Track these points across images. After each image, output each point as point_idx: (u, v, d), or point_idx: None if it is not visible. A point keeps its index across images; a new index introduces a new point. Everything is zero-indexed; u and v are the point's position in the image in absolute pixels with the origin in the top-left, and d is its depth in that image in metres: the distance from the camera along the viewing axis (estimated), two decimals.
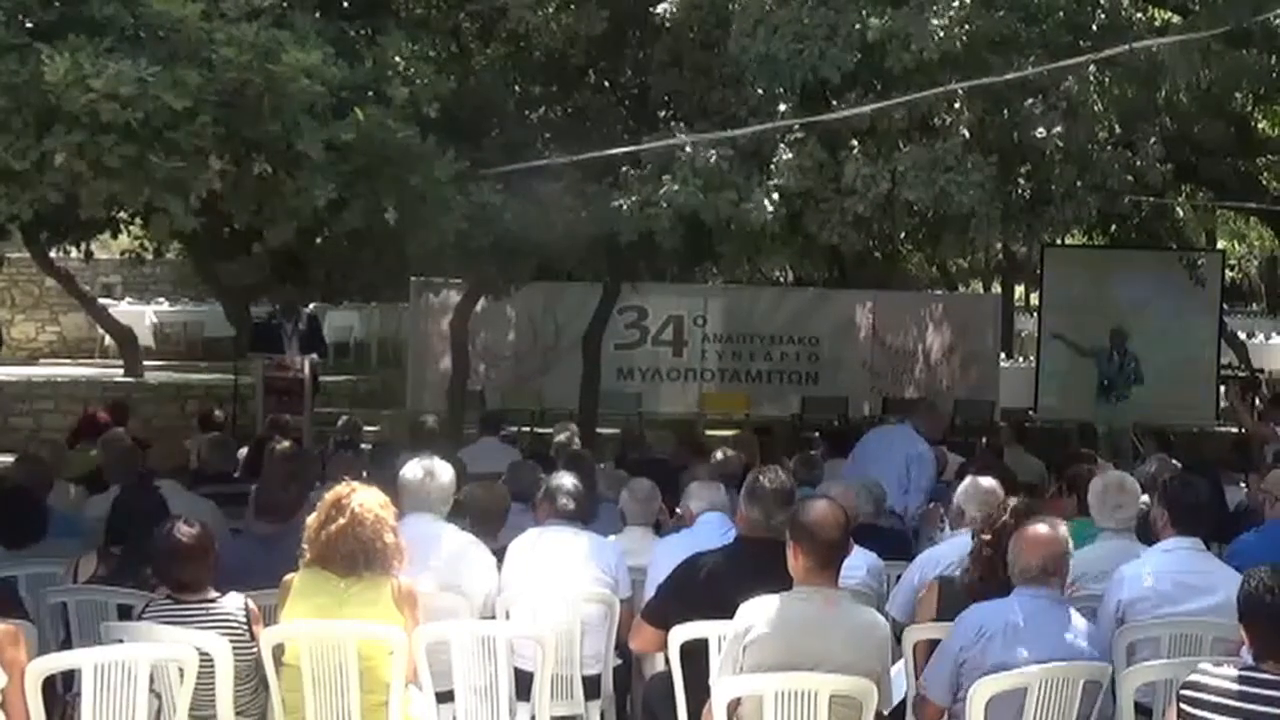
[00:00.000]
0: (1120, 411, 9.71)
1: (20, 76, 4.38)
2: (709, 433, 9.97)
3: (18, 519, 4.42)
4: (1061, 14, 7.39)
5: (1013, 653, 3.23)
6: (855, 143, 6.65)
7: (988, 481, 4.40)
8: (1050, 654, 3.24)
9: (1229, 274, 17.25)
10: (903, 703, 3.69)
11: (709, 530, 4.25)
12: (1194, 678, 2.82)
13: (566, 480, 4.38)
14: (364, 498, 3.51)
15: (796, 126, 6.57)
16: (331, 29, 5.36)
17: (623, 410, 10.92)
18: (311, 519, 3.54)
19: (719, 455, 5.95)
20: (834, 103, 6.66)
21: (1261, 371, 10.23)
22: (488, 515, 4.57)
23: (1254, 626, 2.78)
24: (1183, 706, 2.79)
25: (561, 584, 4.02)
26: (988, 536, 3.63)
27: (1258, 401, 8.33)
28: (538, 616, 3.91)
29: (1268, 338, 15.59)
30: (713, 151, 6.53)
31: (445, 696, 3.65)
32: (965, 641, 3.29)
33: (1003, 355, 13.40)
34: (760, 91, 6.69)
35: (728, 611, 3.27)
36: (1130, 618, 3.68)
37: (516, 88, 7.86)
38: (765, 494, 3.71)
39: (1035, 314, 13.56)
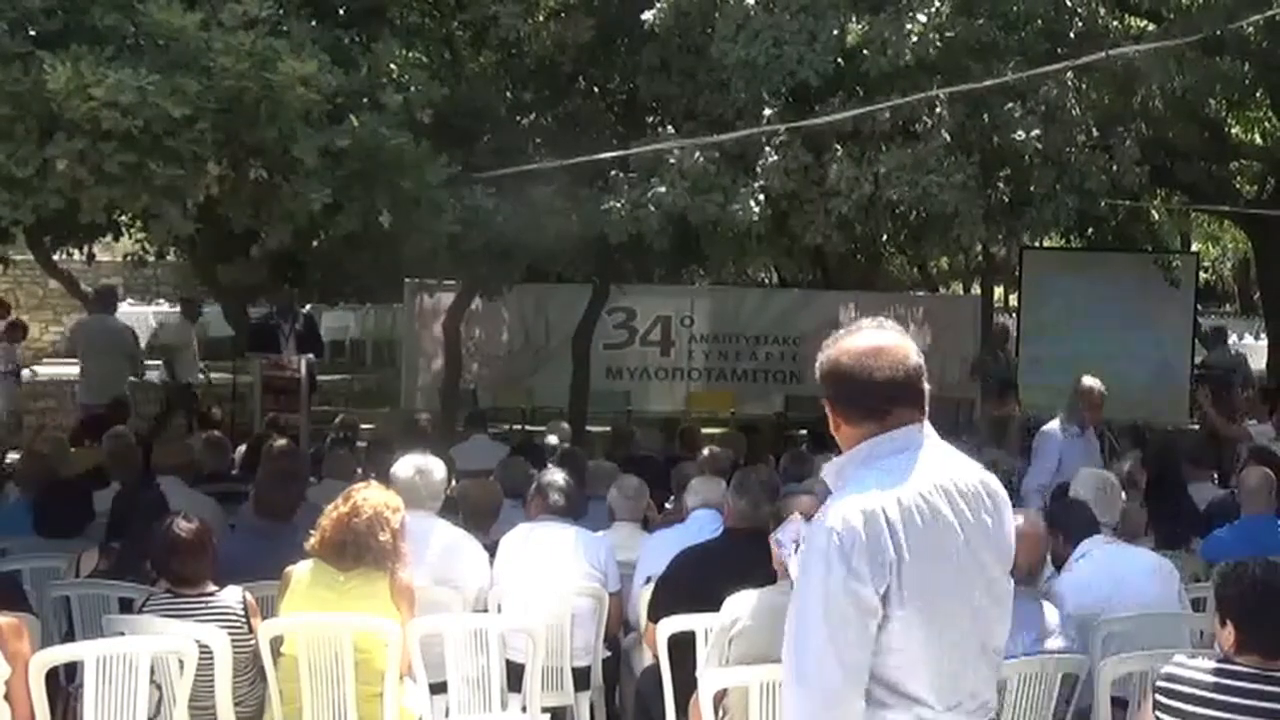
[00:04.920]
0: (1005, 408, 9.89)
1: (23, 85, 4.45)
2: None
3: (67, 511, 4.51)
4: (1040, 21, 7.55)
5: None
6: (839, 146, 6.77)
7: None
8: (1033, 651, 3.28)
9: (1203, 276, 17.50)
10: None
11: (699, 526, 4.34)
12: (1170, 670, 2.81)
13: (558, 476, 4.47)
14: (371, 494, 3.59)
15: (782, 130, 6.69)
16: (327, 37, 5.45)
17: (612, 409, 11.04)
18: (328, 507, 3.63)
19: (707, 452, 6.07)
20: (817, 107, 6.80)
21: (1234, 371, 10.40)
22: (480, 511, 4.67)
23: (1234, 620, 2.79)
24: (1158, 698, 2.79)
25: (552, 578, 4.10)
26: None
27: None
28: (529, 610, 3.99)
29: (1240, 338, 15.86)
30: (700, 155, 6.64)
31: (439, 687, 3.72)
32: None
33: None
34: (743, 95, 6.82)
35: (719, 602, 3.36)
36: None
37: (508, 94, 7.95)
38: (753, 485, 3.83)
39: (1014, 315, 13.72)
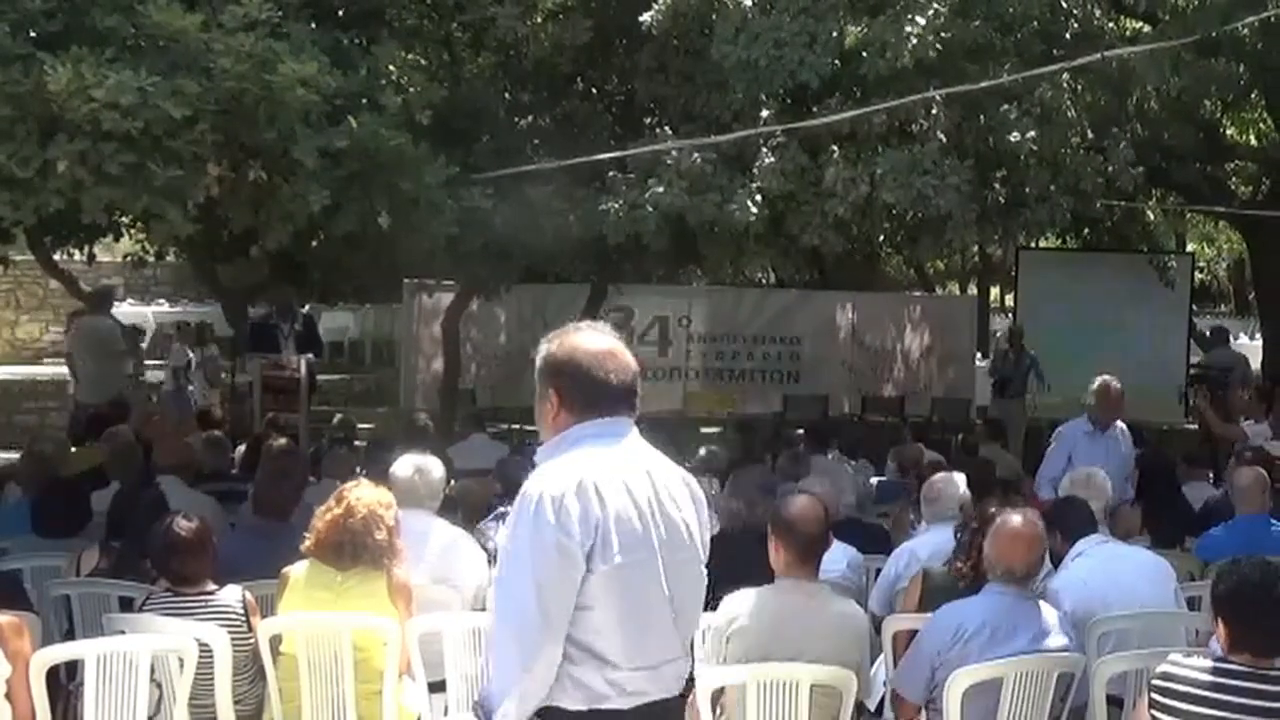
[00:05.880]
0: (1014, 408, 9.94)
1: (24, 86, 4.49)
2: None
3: (65, 510, 4.54)
4: (1035, 23, 7.59)
5: (993, 654, 3.26)
6: (835, 147, 6.82)
7: (959, 476, 4.55)
8: (1030, 649, 3.28)
9: (1198, 276, 17.58)
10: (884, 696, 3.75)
11: None
12: (1165, 668, 2.81)
13: None
14: (363, 493, 3.60)
15: (778, 131, 6.73)
16: (326, 39, 5.49)
17: None
18: (320, 508, 3.65)
19: (703, 451, 6.09)
20: (814, 108, 6.83)
21: (1230, 370, 10.45)
22: (479, 510, 4.69)
23: (1226, 618, 2.79)
24: (1154, 697, 2.79)
25: None
26: (976, 525, 3.71)
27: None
28: None
29: (1236, 338, 15.91)
30: (697, 155, 6.68)
31: (437, 686, 3.73)
32: (941, 644, 3.31)
33: (978, 355, 13.62)
34: (741, 97, 6.85)
35: (714, 602, 3.38)
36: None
37: (506, 95, 7.99)
38: (747, 485, 3.86)
39: (1010, 315, 13.78)
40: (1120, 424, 6.26)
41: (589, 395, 2.20)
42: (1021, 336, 10.60)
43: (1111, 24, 9.07)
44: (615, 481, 2.12)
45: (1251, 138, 12.21)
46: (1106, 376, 6.30)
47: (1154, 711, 2.80)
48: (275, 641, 3.55)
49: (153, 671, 3.34)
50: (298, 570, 3.62)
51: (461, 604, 4.01)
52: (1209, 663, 2.79)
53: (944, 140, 6.83)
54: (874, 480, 6.99)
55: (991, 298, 19.67)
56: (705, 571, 2.30)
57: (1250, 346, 14.45)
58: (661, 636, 2.18)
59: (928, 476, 4.77)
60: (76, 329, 9.53)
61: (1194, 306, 12.95)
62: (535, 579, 2.03)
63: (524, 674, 2.04)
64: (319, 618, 3.51)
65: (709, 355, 12.74)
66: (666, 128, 7.38)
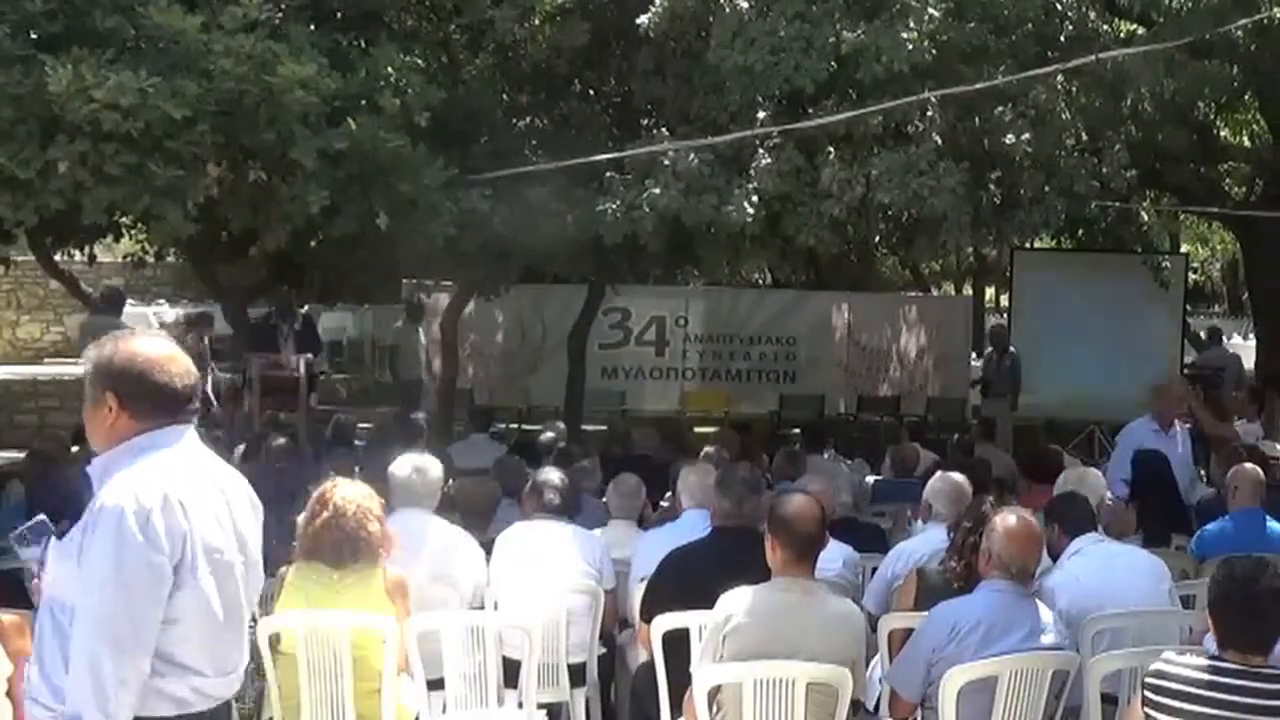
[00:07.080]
0: (1001, 407, 10.05)
1: (25, 87, 4.52)
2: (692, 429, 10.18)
3: (61, 510, 4.53)
4: (1030, 26, 7.63)
5: (988, 651, 3.28)
6: (831, 148, 6.85)
7: (956, 476, 4.57)
8: (1025, 647, 3.29)
9: (1192, 276, 17.62)
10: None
11: (692, 525, 4.37)
12: (1158, 666, 2.81)
13: (553, 475, 4.52)
14: (346, 491, 3.60)
15: (775, 133, 6.76)
16: (326, 40, 5.51)
17: (607, 408, 11.10)
18: (301, 516, 3.64)
19: (703, 452, 6.12)
20: (811, 110, 6.86)
21: (1223, 370, 10.49)
22: (478, 509, 4.72)
23: (1219, 616, 2.79)
24: (1147, 694, 2.79)
25: (548, 575, 4.14)
26: (969, 524, 3.73)
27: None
28: (525, 607, 4.02)
29: (1229, 338, 15.99)
30: (694, 157, 6.71)
31: (436, 684, 3.76)
32: (937, 641, 3.32)
33: (974, 355, 13.67)
34: (738, 99, 6.88)
35: (709, 599, 3.41)
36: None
37: (504, 97, 8.02)
38: (735, 483, 3.89)
39: (1005, 315, 13.84)
40: (1184, 424, 6.35)
41: (154, 399, 2.17)
42: (1003, 339, 10.66)
43: (1106, 26, 9.11)
44: (195, 493, 2.14)
45: (1245, 139, 12.27)
46: (1170, 377, 6.38)
47: (1148, 709, 2.81)
48: (274, 640, 3.56)
49: None
50: (295, 570, 3.63)
51: (460, 602, 4.03)
52: (1202, 660, 2.80)
53: (939, 142, 6.86)
54: (870, 480, 7.03)
55: (987, 298, 19.74)
56: (260, 573, 2.36)
57: (1244, 346, 14.51)
58: (237, 642, 2.24)
59: (939, 471, 4.78)
60: (84, 328, 9.51)
61: (1188, 307, 12.99)
62: (126, 596, 2.03)
63: (120, 688, 2.04)
64: (318, 617, 3.53)
65: (705, 355, 12.79)
66: (663, 129, 7.41)
